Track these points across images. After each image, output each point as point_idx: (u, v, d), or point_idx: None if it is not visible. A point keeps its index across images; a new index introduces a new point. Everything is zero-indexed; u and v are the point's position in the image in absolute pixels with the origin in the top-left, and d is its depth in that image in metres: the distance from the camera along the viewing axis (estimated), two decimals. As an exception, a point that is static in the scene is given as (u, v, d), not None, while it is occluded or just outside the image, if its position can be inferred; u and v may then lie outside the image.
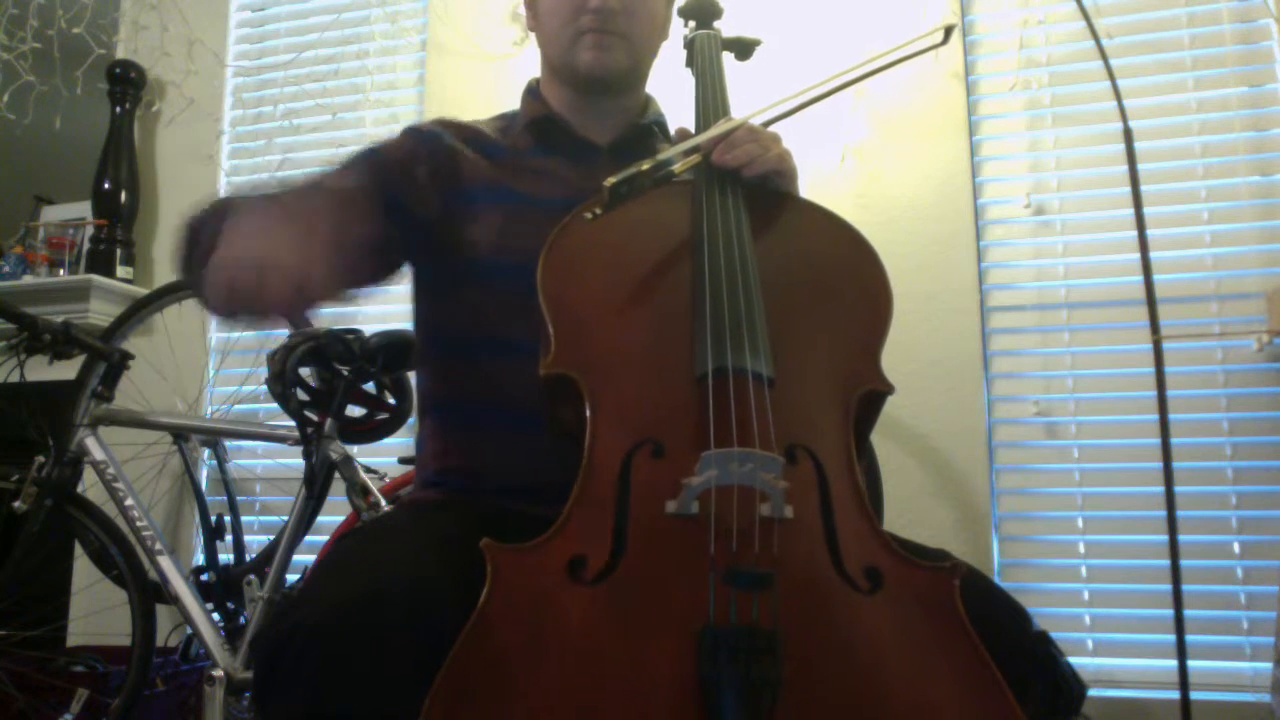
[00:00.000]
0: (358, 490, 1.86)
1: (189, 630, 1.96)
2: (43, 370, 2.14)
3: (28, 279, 2.74)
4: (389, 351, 1.83)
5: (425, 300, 1.21)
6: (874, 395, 0.95)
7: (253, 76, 2.86)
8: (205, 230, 0.98)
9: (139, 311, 2.34)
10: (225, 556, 2.21)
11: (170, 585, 1.91)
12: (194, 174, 2.83)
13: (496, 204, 1.14)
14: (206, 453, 2.46)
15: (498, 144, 1.22)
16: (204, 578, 2.11)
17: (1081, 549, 2.11)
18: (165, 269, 2.80)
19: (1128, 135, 1.99)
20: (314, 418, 1.89)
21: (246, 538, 2.32)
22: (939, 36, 1.05)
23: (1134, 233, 1.97)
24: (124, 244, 2.76)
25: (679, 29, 1.34)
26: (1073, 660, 0.94)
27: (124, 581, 2.00)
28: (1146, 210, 1.97)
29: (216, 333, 2.73)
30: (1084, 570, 2.10)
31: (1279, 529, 2.00)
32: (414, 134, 1.21)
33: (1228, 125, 2.15)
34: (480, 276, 1.12)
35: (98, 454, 2.00)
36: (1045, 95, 2.26)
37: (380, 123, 2.70)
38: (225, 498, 2.35)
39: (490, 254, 1.12)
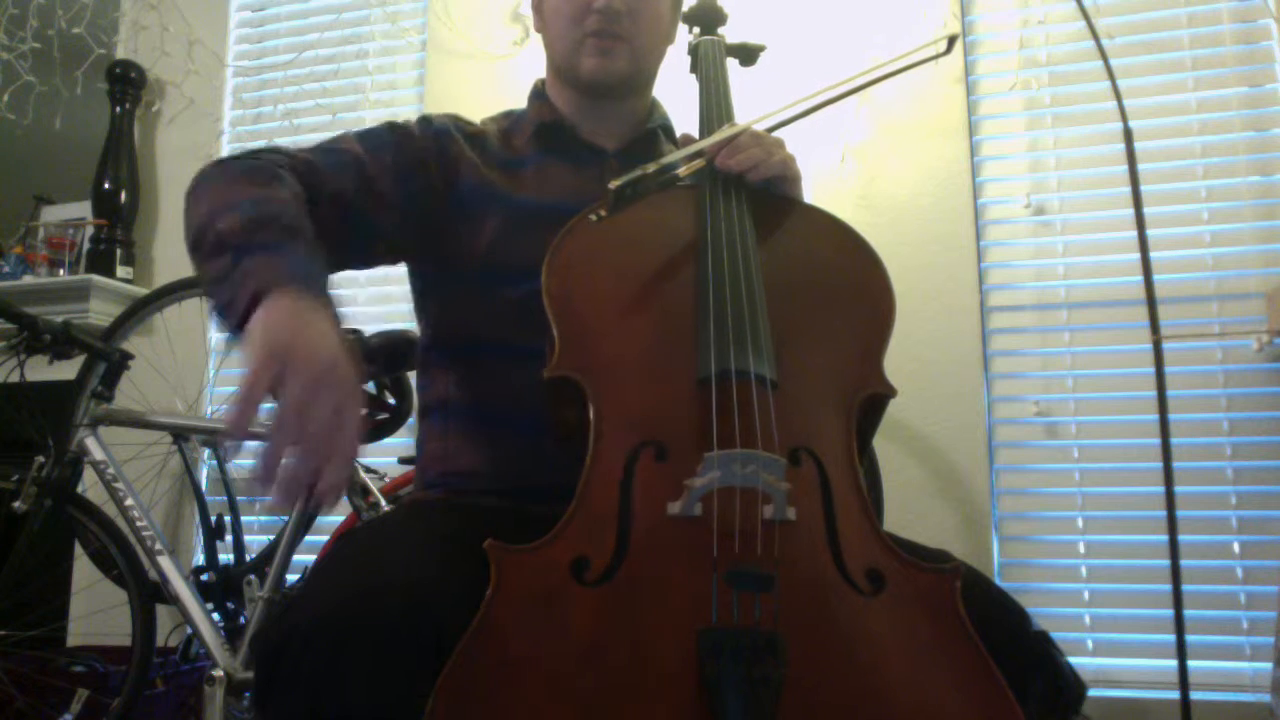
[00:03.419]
0: (358, 490, 1.86)
1: (189, 630, 1.96)
2: (43, 370, 2.14)
3: (28, 279, 2.74)
4: (389, 351, 1.83)
5: (429, 303, 1.21)
6: (876, 398, 0.95)
7: (253, 76, 2.86)
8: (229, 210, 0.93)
9: (139, 311, 2.34)
10: (225, 556, 2.21)
11: (170, 585, 1.90)
12: (194, 174, 2.82)
13: (501, 208, 1.14)
14: (206, 453, 2.46)
15: (503, 149, 1.21)
16: (204, 578, 2.11)
17: (1081, 549, 2.11)
18: (165, 269, 2.81)
19: (1128, 135, 1.99)
20: (314, 418, 1.89)
21: (246, 538, 2.32)
22: (942, 46, 1.06)
23: (1134, 233, 1.97)
24: (124, 244, 2.76)
25: (684, 35, 1.34)
26: (1073, 660, 0.94)
27: (124, 581, 2.00)
28: (1146, 210, 1.98)
29: (216, 333, 2.73)
30: (1084, 570, 2.10)
31: (1279, 529, 2.01)
32: (428, 126, 1.20)
33: (1228, 125, 2.15)
34: (484, 280, 1.12)
35: (98, 454, 2.00)
36: (1045, 95, 2.27)
37: (380, 123, 2.70)
38: (225, 498, 2.35)
39: (495, 257, 1.12)
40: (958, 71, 2.29)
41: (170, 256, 2.83)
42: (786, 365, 0.92)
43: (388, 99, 2.72)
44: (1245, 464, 2.05)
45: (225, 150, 2.84)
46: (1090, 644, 2.08)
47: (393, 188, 1.12)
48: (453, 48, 2.64)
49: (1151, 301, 1.94)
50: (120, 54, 2.90)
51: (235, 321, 0.84)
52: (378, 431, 1.97)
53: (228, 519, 2.27)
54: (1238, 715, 1.94)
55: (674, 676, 0.73)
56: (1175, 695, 1.83)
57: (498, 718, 0.71)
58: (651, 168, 0.98)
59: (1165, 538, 1.87)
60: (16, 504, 1.94)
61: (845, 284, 1.03)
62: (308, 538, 1.95)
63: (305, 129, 2.76)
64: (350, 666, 0.75)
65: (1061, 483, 2.15)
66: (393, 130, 1.18)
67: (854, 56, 2.32)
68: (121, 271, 2.74)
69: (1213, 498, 2.04)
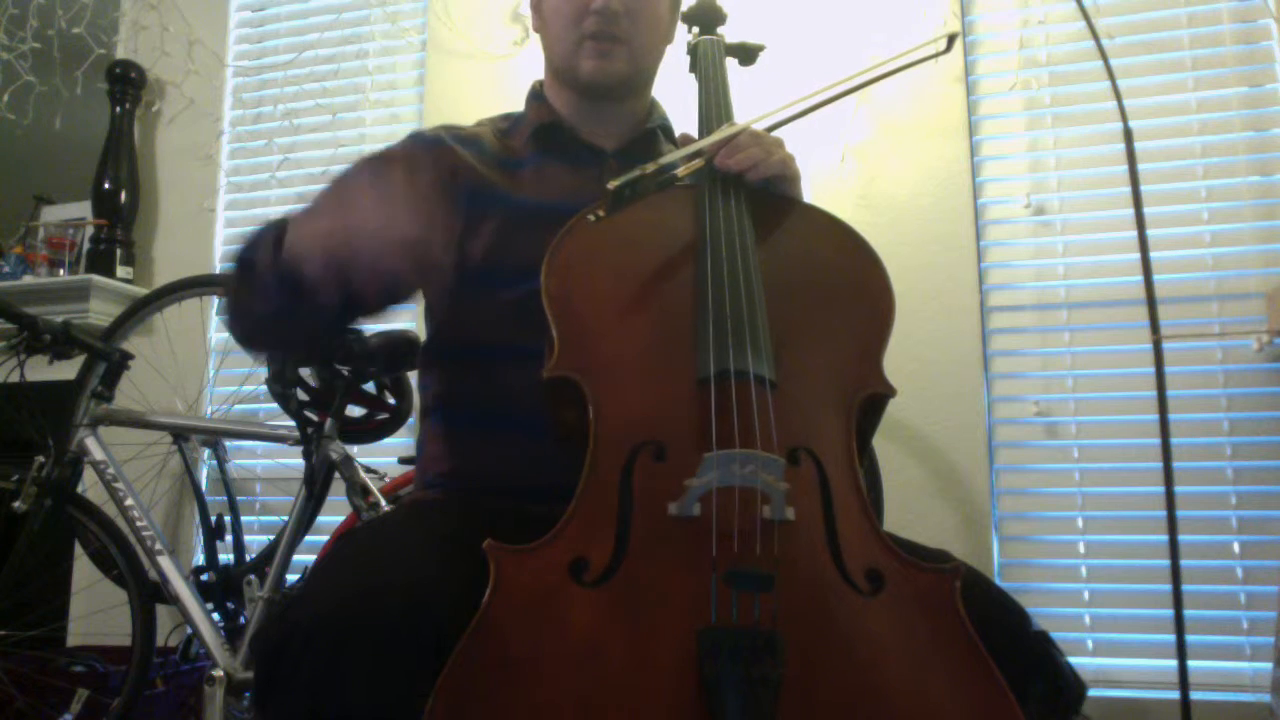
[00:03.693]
0: (358, 490, 1.86)
1: (189, 630, 1.96)
2: (43, 370, 2.14)
3: (28, 279, 2.74)
4: (389, 351, 1.83)
5: (431, 304, 1.22)
6: (876, 398, 0.95)
7: (253, 76, 2.86)
8: (260, 247, 1.01)
9: (139, 311, 2.34)
10: (225, 556, 2.21)
11: (170, 585, 1.91)
12: (194, 174, 2.83)
13: (501, 211, 1.14)
14: (206, 453, 2.46)
15: (501, 149, 1.21)
16: (204, 578, 2.11)
17: (1081, 549, 2.11)
18: (165, 269, 2.81)
19: (1128, 135, 1.99)
20: (314, 418, 1.90)
21: (246, 538, 2.32)
22: (942, 44, 1.06)
23: (1134, 233, 1.97)
24: (124, 244, 2.76)
25: (683, 34, 1.34)
26: (1073, 660, 0.94)
27: (124, 581, 2.00)
28: (1146, 210, 1.98)
29: (216, 333, 2.73)
30: (1084, 570, 2.10)
31: (1279, 529, 2.01)
32: (420, 140, 1.20)
33: (1228, 125, 2.15)
34: (484, 281, 1.12)
35: (98, 454, 2.00)
36: (1045, 95, 2.27)
37: (380, 123, 2.70)
38: (225, 498, 2.35)
39: (494, 258, 1.12)
40: (958, 71, 2.29)
41: (170, 256, 2.83)
42: (786, 365, 0.92)
43: (388, 99, 2.72)
44: (1245, 464, 2.04)
45: (225, 150, 2.84)
46: (1090, 644, 2.08)
47: None
48: (453, 48, 2.64)
49: (1151, 301, 1.94)
50: (120, 54, 2.90)
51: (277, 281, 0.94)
52: (378, 431, 1.97)
53: (228, 519, 2.27)
54: (1238, 715, 1.94)
55: (673, 676, 0.73)
56: (1175, 695, 1.83)
57: (497, 718, 0.71)
58: (650, 168, 0.97)
59: (1165, 538, 1.87)
60: (16, 504, 1.94)
61: (844, 284, 1.03)
62: (308, 538, 1.95)
63: (305, 129, 2.76)
64: (350, 666, 0.75)
65: (1061, 483, 2.15)
66: (373, 162, 1.18)
67: (853, 56, 2.32)
68: (121, 271, 2.74)
69: (1213, 498, 2.04)
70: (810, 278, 1.03)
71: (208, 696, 1.76)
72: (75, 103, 2.86)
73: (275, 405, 1.88)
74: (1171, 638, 1.84)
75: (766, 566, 0.78)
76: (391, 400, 1.95)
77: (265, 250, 0.99)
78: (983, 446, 2.17)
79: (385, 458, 2.18)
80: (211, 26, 2.88)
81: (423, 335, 1.26)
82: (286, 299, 0.96)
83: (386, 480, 1.94)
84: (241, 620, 1.97)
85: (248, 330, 1.10)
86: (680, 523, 0.80)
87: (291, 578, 1.92)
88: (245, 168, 2.82)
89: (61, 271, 2.78)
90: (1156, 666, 2.01)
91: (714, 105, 1.20)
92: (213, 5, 2.89)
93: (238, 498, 2.37)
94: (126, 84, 2.80)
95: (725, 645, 0.73)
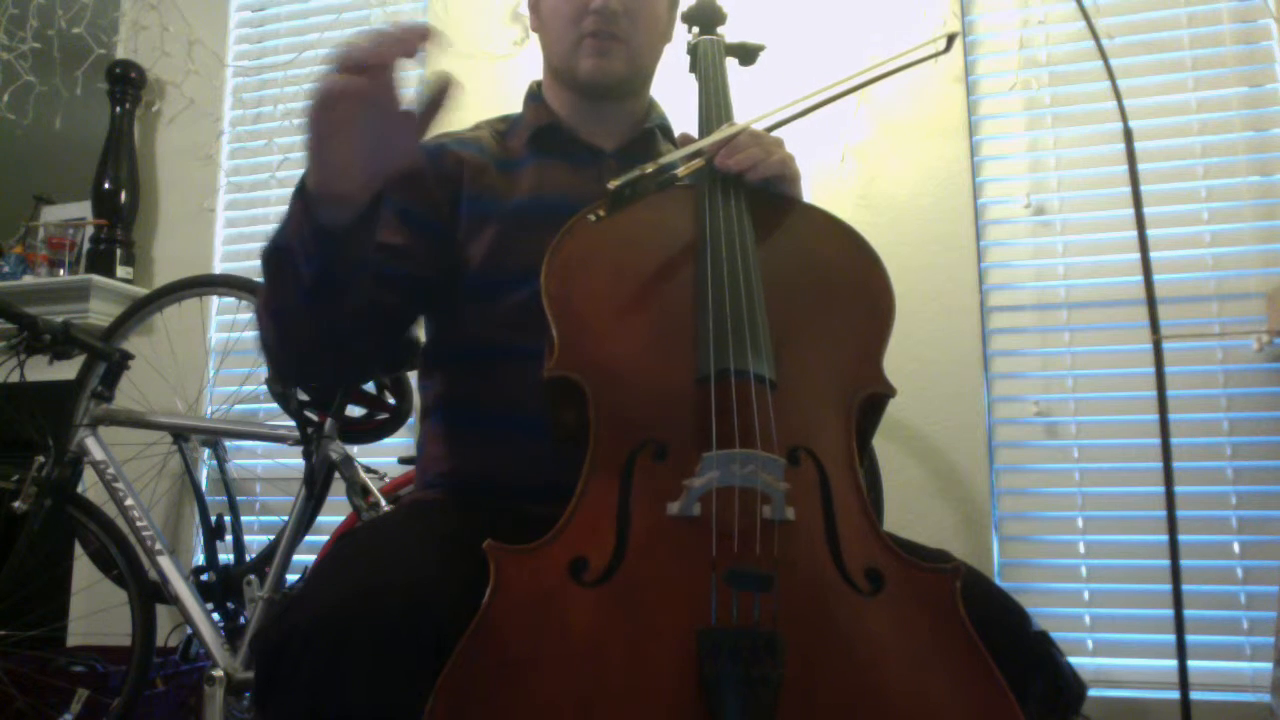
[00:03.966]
0: (358, 490, 1.86)
1: (189, 630, 1.96)
2: (43, 370, 2.14)
3: (28, 279, 2.75)
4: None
5: (432, 306, 1.21)
6: (876, 398, 0.95)
7: (253, 76, 2.86)
8: (284, 223, 0.97)
9: (139, 311, 2.35)
10: (225, 556, 2.21)
11: (170, 585, 1.91)
12: (194, 174, 2.83)
13: (500, 211, 1.14)
14: (206, 453, 2.47)
15: (500, 151, 1.21)
16: (204, 578, 2.11)
17: (1081, 549, 2.11)
18: (165, 269, 2.81)
19: (1128, 135, 1.99)
20: (314, 418, 1.90)
21: (246, 538, 2.32)
22: (941, 44, 1.06)
23: (1134, 233, 1.97)
24: (124, 244, 2.76)
25: (683, 34, 1.34)
26: (1073, 660, 0.94)
27: (124, 581, 2.00)
28: (1146, 210, 1.98)
29: (216, 333, 2.73)
30: (1084, 570, 2.10)
31: (1279, 529, 2.01)
32: (422, 150, 1.20)
33: (1228, 125, 2.15)
34: (485, 283, 1.12)
35: (98, 454, 2.00)
36: (1045, 95, 2.27)
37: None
38: (225, 498, 2.35)
39: (494, 260, 1.12)
40: (958, 71, 2.29)
41: (170, 256, 2.83)
42: (786, 365, 0.92)
43: (387, 99, 2.71)
44: (1245, 464, 2.04)
45: (225, 150, 2.84)
46: (1090, 644, 2.08)
47: (407, 234, 1.12)
48: (453, 48, 2.64)
49: (1151, 301, 1.94)
50: (120, 54, 2.90)
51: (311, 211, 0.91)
52: (378, 431, 1.98)
53: (228, 519, 2.27)
54: (1238, 715, 1.94)
55: (673, 677, 0.73)
56: (1175, 695, 1.83)
57: (497, 718, 0.71)
58: (650, 168, 0.97)
59: (1165, 538, 1.87)
60: (16, 504, 1.94)
61: (845, 283, 1.03)
62: (308, 538, 1.96)
63: (305, 129, 2.76)
64: (350, 666, 0.75)
65: (1061, 483, 2.15)
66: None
67: (853, 56, 2.32)
68: (121, 271, 2.74)
69: (1213, 498, 2.04)
70: (810, 277, 1.03)
71: (208, 696, 1.76)
72: (75, 103, 2.86)
73: (275, 405, 1.88)
74: (1171, 638, 1.84)
75: (766, 566, 0.78)
76: (391, 400, 1.96)
77: (291, 214, 0.93)
78: (983, 446, 2.17)
79: (385, 458, 2.18)
80: (211, 26, 2.88)
81: (423, 336, 1.26)
82: (324, 243, 0.91)
83: (386, 480, 1.94)
84: (241, 620, 1.97)
85: (296, 341, 1.01)
86: (680, 523, 0.80)
87: (291, 578, 1.92)
88: (245, 168, 2.82)
89: (61, 271, 2.78)
90: (1156, 666, 2.01)
91: (714, 105, 1.19)
92: (213, 5, 2.89)
93: (238, 498, 2.37)
94: (126, 84, 2.80)
95: (725, 645, 0.73)
